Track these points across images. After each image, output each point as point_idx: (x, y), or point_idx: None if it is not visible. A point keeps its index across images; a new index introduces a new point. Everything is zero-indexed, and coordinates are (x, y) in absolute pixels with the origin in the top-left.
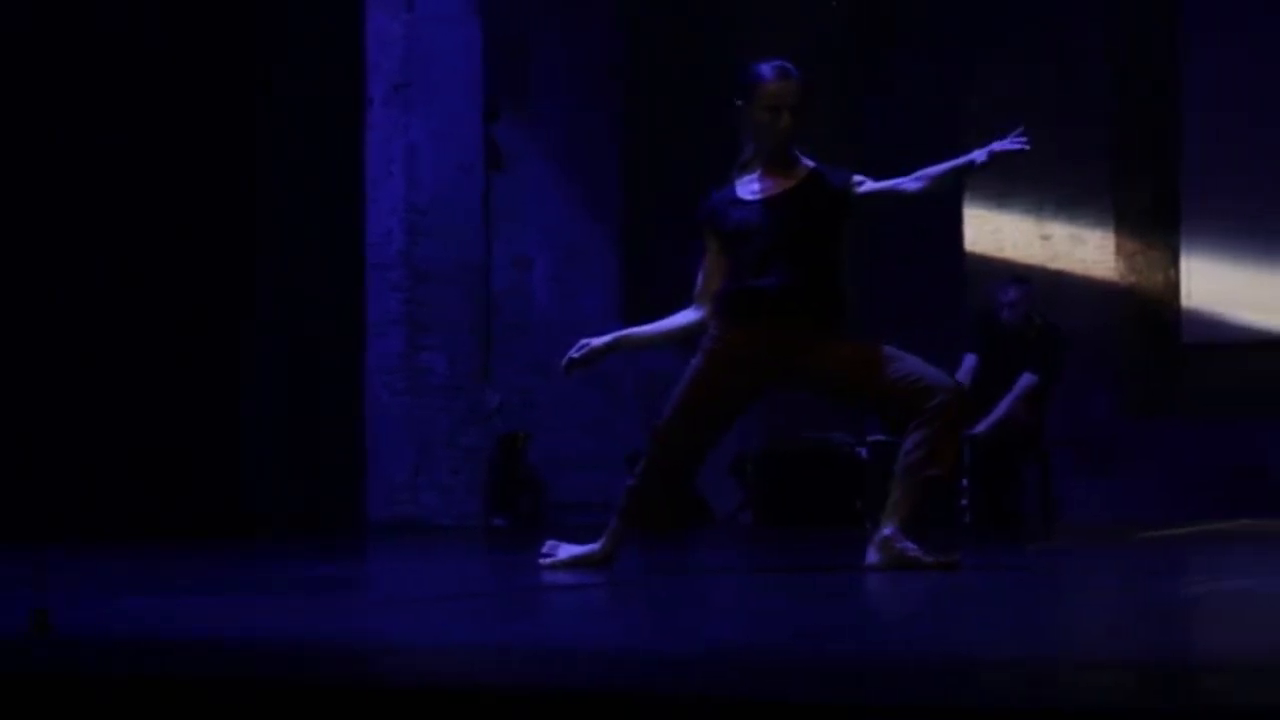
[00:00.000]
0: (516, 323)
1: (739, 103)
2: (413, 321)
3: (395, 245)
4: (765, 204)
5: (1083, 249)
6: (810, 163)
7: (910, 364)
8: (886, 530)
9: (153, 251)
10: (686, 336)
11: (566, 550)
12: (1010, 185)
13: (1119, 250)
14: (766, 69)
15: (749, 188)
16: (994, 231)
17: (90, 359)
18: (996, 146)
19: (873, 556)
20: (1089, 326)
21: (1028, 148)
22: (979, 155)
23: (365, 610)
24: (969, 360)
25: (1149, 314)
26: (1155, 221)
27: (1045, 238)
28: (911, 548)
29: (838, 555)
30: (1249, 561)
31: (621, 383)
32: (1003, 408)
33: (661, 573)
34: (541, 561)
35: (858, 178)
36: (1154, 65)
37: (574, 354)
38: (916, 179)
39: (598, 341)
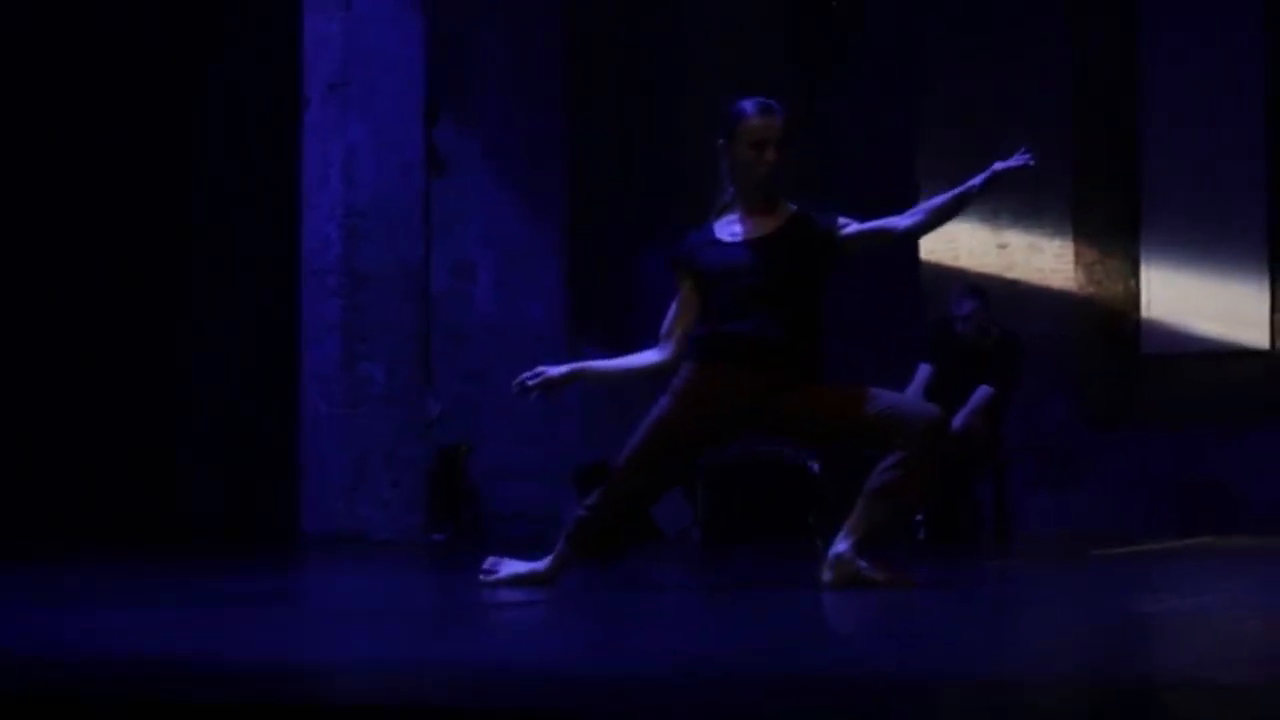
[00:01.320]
0: (458, 330)
1: (720, 140)
2: (351, 328)
3: (333, 249)
4: (747, 246)
5: (1040, 258)
6: (793, 206)
7: (889, 398)
8: (841, 547)
9: (84, 254)
10: (649, 376)
11: (509, 567)
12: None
13: (1078, 259)
14: (749, 104)
15: (729, 229)
16: (949, 240)
17: (20, 364)
18: (999, 166)
19: (827, 574)
20: (1047, 336)
21: (1032, 164)
22: (977, 181)
23: (296, 626)
24: (923, 371)
25: (1108, 324)
26: (1115, 230)
27: (1002, 246)
28: (866, 565)
29: (789, 572)
30: (1209, 578)
31: (566, 392)
32: (959, 421)
33: (606, 590)
34: (483, 578)
35: (843, 220)
36: (1114, 69)
37: (528, 380)
38: (910, 215)
39: (555, 371)
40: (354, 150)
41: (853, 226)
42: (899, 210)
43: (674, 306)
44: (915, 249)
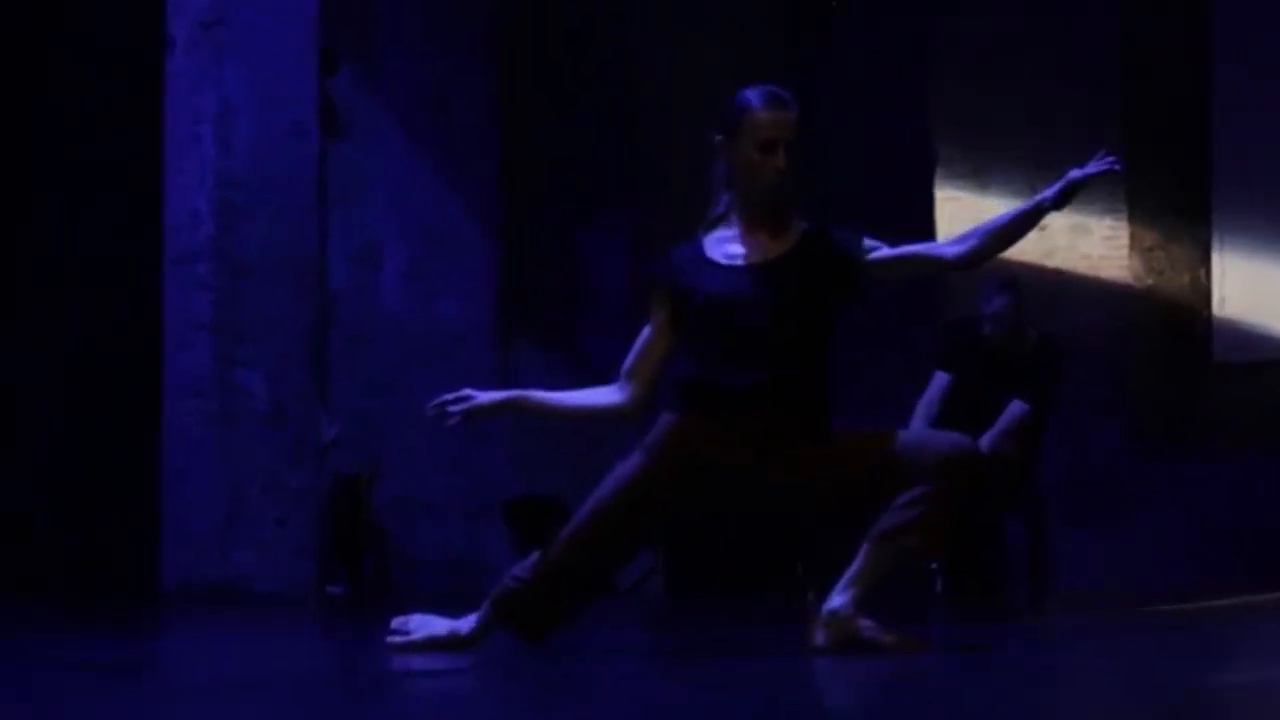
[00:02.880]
0: (360, 330)
1: (717, 137)
2: (225, 328)
3: (203, 230)
4: (749, 273)
5: (1088, 242)
6: (804, 222)
7: (914, 433)
8: (838, 601)
9: None
10: (603, 419)
11: (424, 627)
12: (995, 160)
13: (1133, 244)
14: (756, 96)
15: (725, 249)
16: (973, 220)
17: None
18: (1076, 174)
19: (819, 636)
20: (1094, 340)
21: (1117, 168)
22: (1049, 194)
23: (152, 704)
24: (939, 380)
25: (1171, 325)
26: (1180, 208)
27: (1040, 228)
28: (868, 625)
29: (771, 634)
30: None
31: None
32: (987, 441)
33: (542, 657)
34: (391, 641)
35: (871, 241)
36: (1178, 10)
37: (450, 405)
38: (963, 239)
39: (485, 397)
40: (230, 105)
41: (884, 250)
42: (907, 198)
43: (643, 338)
44: (931, 229)
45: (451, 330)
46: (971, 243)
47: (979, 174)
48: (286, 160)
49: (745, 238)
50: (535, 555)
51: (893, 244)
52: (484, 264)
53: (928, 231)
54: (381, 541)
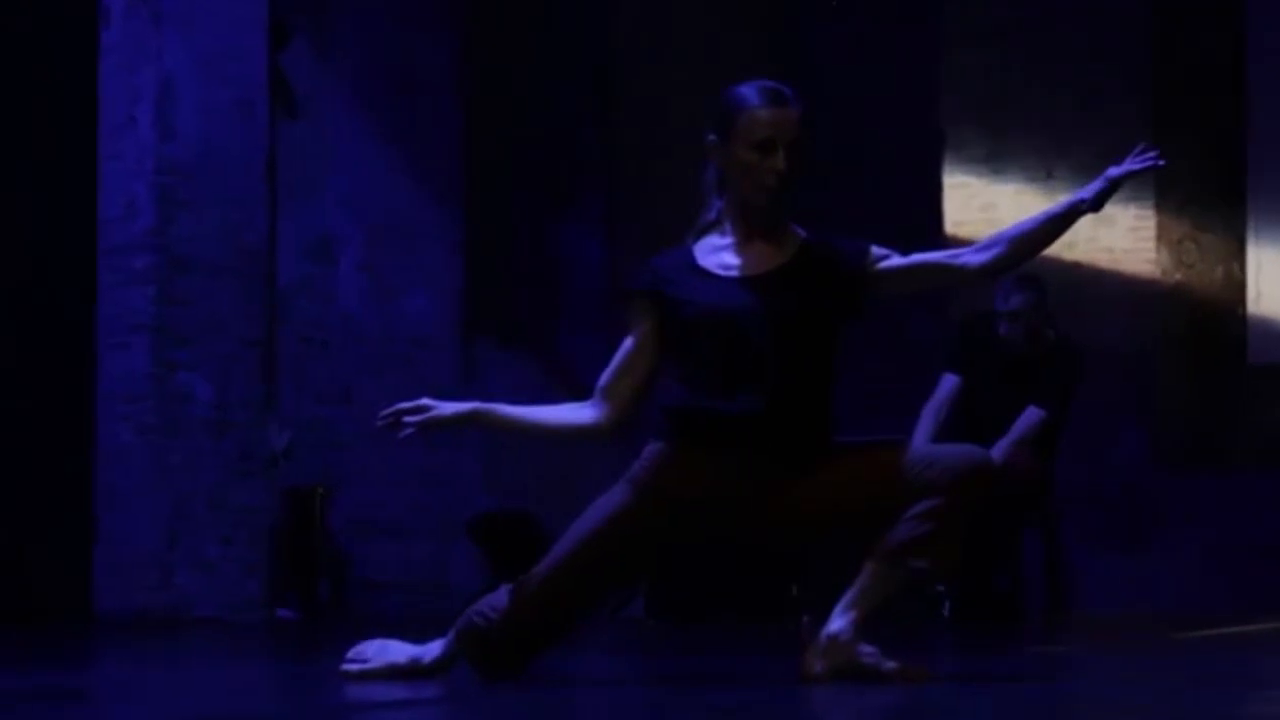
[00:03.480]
0: (313, 333)
1: (710, 137)
2: (165, 329)
3: (141, 220)
4: (746, 286)
5: (1111, 233)
6: (802, 231)
7: (921, 448)
8: (836, 626)
9: None
10: (575, 439)
11: (384, 654)
12: (1010, 142)
13: (1161, 235)
14: (752, 92)
15: (718, 258)
16: (986, 206)
17: None
18: (1114, 172)
19: (816, 664)
20: (1118, 341)
21: (1161, 164)
22: (1086, 194)
23: None
24: (947, 383)
25: (1202, 324)
26: (1212, 194)
27: None
28: (869, 652)
29: (762, 662)
30: None
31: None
32: (999, 451)
33: (513, 688)
34: (347, 670)
35: (879, 250)
36: None
37: (408, 415)
38: (987, 247)
39: (446, 409)
40: (171, 83)
41: (894, 260)
42: (912, 184)
43: (622, 352)
44: (939, 219)
45: (413, 330)
46: (996, 250)
47: (992, 158)
48: (233, 144)
49: (740, 247)
50: (506, 590)
51: (904, 253)
52: (448, 258)
53: (934, 222)
54: (337, 562)
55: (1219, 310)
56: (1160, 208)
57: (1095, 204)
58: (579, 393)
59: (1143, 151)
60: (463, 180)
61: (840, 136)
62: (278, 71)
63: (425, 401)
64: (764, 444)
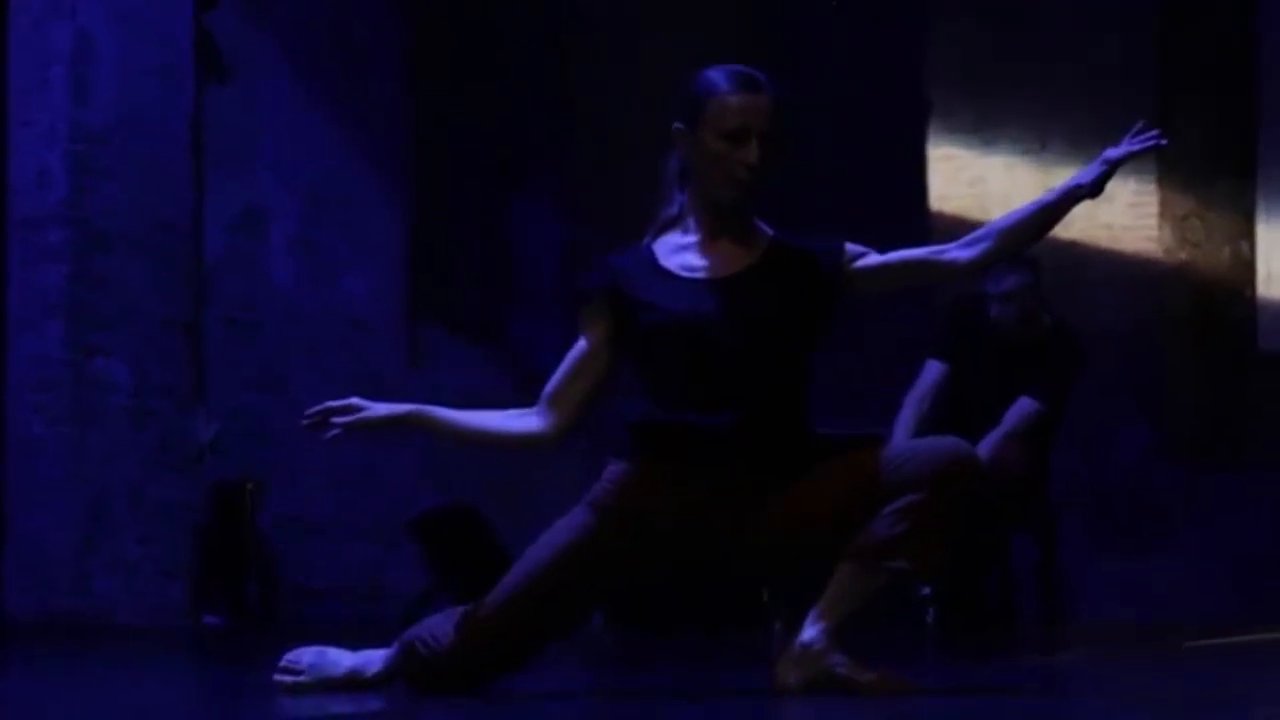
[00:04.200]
0: (242, 315)
1: (676, 125)
2: (81, 310)
3: (55, 192)
4: (716, 287)
5: (1110, 209)
6: (769, 230)
7: (900, 444)
8: (810, 634)
9: None
10: (518, 448)
11: (321, 663)
12: (998, 110)
13: (1164, 211)
14: (721, 77)
15: (681, 259)
16: (975, 181)
17: None
18: (1113, 154)
19: (788, 672)
20: (1118, 326)
21: (1163, 144)
22: (1085, 178)
23: None
24: (932, 370)
25: (1208, 307)
26: (1218, 167)
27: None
28: (843, 662)
29: (731, 674)
30: None
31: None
32: (988, 447)
33: (461, 705)
34: (280, 681)
35: (855, 248)
36: None
37: (336, 415)
38: (975, 241)
39: (378, 410)
40: (88, 42)
41: (871, 258)
42: (894, 155)
43: (572, 357)
44: (923, 194)
45: (352, 312)
46: (984, 245)
47: (982, 127)
48: (155, 109)
49: (705, 246)
50: (449, 615)
51: (881, 250)
52: (391, 233)
53: (918, 197)
54: (268, 564)
55: (1226, 292)
56: (1163, 181)
57: (1094, 189)
58: (533, 381)
59: (1142, 130)
60: (408, 149)
61: (817, 104)
62: (204, 31)
63: (355, 401)
64: (737, 460)
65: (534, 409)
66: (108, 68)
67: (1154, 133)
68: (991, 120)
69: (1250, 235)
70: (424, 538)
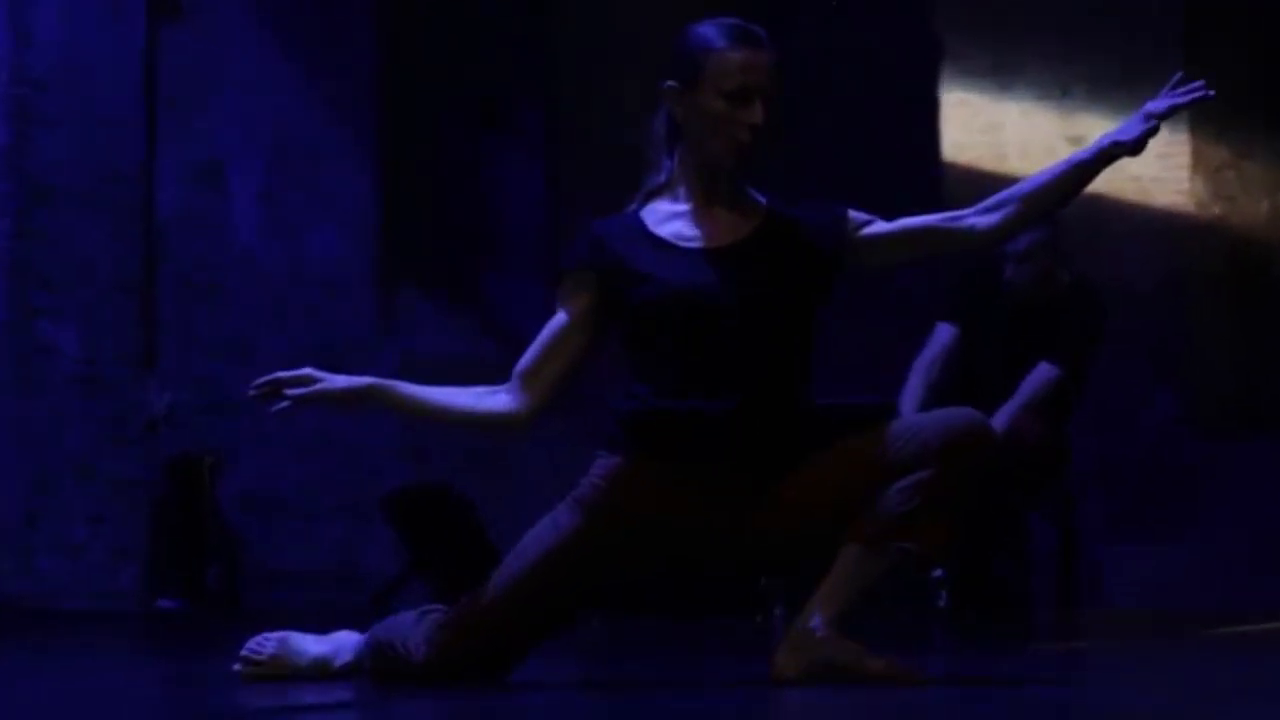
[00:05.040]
0: (200, 275)
1: (669, 84)
2: (23, 268)
3: None
4: (714, 259)
5: (1138, 162)
6: (762, 198)
7: (908, 418)
8: (814, 621)
9: None
10: (483, 427)
11: (285, 651)
12: (1015, 53)
13: (1196, 163)
14: (719, 32)
15: (673, 227)
16: (991, 129)
17: None
18: (1156, 106)
19: (789, 661)
20: (1145, 286)
21: (1211, 95)
22: (1126, 133)
23: None
24: (942, 333)
25: (1242, 266)
26: (1255, 113)
27: (1075, 140)
28: (847, 649)
29: (727, 662)
30: None
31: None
32: (1004, 416)
33: (436, 694)
34: (243, 670)
35: (859, 215)
36: None
37: (288, 386)
38: (998, 205)
39: (336, 382)
40: None
41: (878, 226)
42: (905, 101)
43: (550, 331)
44: (935, 143)
45: (320, 272)
46: (1008, 211)
47: (999, 70)
48: (103, 50)
49: (699, 214)
50: (421, 618)
51: (889, 217)
52: (360, 187)
53: (931, 146)
54: (228, 544)
55: (1263, 249)
56: (1195, 131)
57: (1135, 147)
58: (514, 346)
59: (1182, 82)
60: (379, 96)
61: (820, 49)
62: None
63: (311, 371)
64: (737, 451)
65: (505, 386)
66: (50, 5)
67: (1198, 83)
68: (1008, 64)
69: None
70: (398, 518)
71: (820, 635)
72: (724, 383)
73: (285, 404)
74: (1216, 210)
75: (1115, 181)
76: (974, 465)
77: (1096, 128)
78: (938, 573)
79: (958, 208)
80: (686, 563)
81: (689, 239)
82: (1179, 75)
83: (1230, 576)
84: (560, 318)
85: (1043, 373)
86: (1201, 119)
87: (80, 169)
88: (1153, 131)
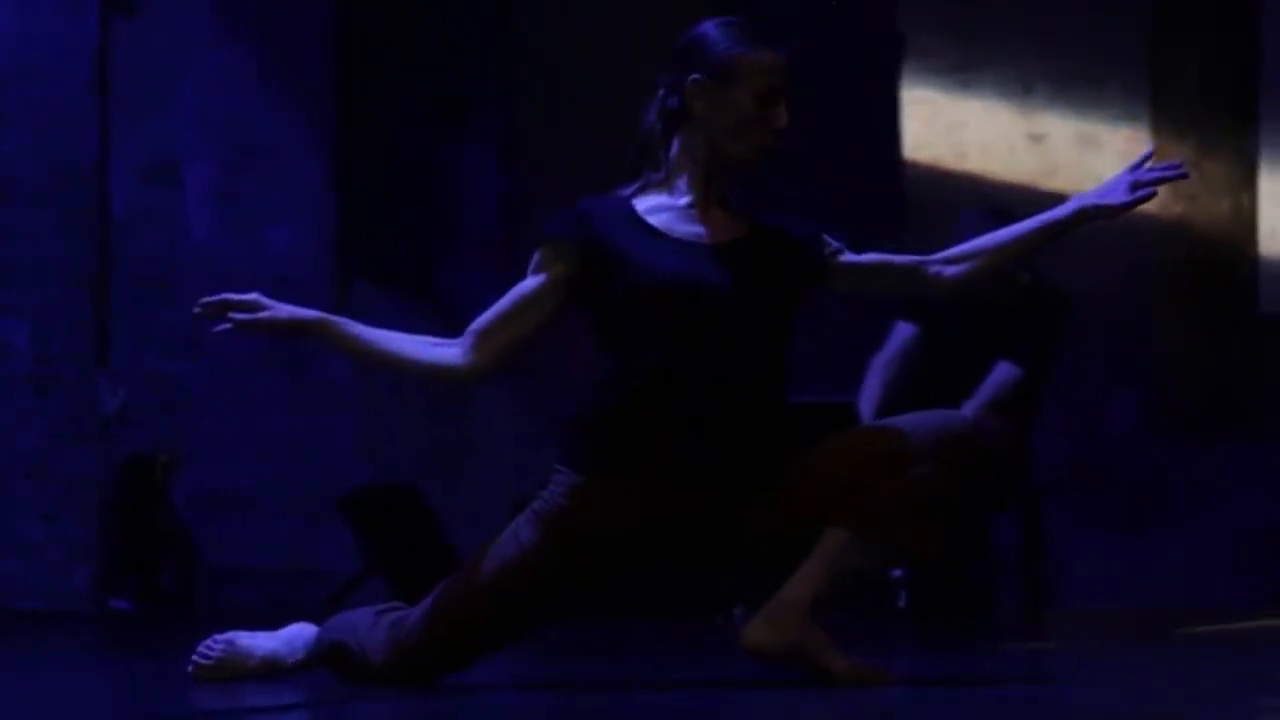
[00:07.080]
0: (154, 269)
1: (694, 77)
2: None
3: None
4: (713, 253)
5: (1098, 158)
6: (740, 207)
7: (893, 421)
8: (791, 594)
9: None
10: (431, 378)
11: (237, 651)
12: (979, 50)
13: (1158, 160)
14: (744, 34)
15: (668, 219)
16: (953, 127)
17: None
18: (1144, 177)
19: (762, 634)
20: (1108, 285)
21: (1186, 176)
22: (1108, 197)
23: None
24: (902, 332)
25: (1205, 265)
26: (1217, 112)
27: (1036, 138)
28: (819, 640)
29: (686, 662)
30: None
31: (329, 370)
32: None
33: (393, 695)
34: (197, 671)
35: (832, 241)
36: None
37: (235, 310)
38: (964, 257)
39: (283, 311)
40: None
41: (849, 256)
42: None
43: (515, 296)
44: (896, 142)
45: (276, 269)
46: (974, 264)
47: (962, 68)
48: (57, 46)
49: (699, 210)
50: (376, 617)
51: (856, 250)
52: (318, 183)
53: (890, 145)
54: (183, 544)
55: (1226, 250)
56: (1157, 128)
57: (1119, 213)
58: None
59: (1167, 165)
60: (336, 93)
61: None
62: None
63: (258, 297)
64: (725, 457)
65: (457, 341)
66: (3, 1)
67: (1179, 165)
68: (972, 60)
69: (1252, 187)
70: (355, 517)
71: (797, 616)
72: (713, 381)
73: (227, 326)
74: (1178, 210)
75: (1076, 180)
76: (968, 467)
77: (1059, 126)
78: (897, 572)
79: (920, 207)
80: (651, 567)
81: (687, 232)
82: (1150, 151)
83: (1196, 576)
84: (528, 283)
85: (1003, 373)
86: (1163, 117)
87: (34, 166)
88: (1147, 198)
